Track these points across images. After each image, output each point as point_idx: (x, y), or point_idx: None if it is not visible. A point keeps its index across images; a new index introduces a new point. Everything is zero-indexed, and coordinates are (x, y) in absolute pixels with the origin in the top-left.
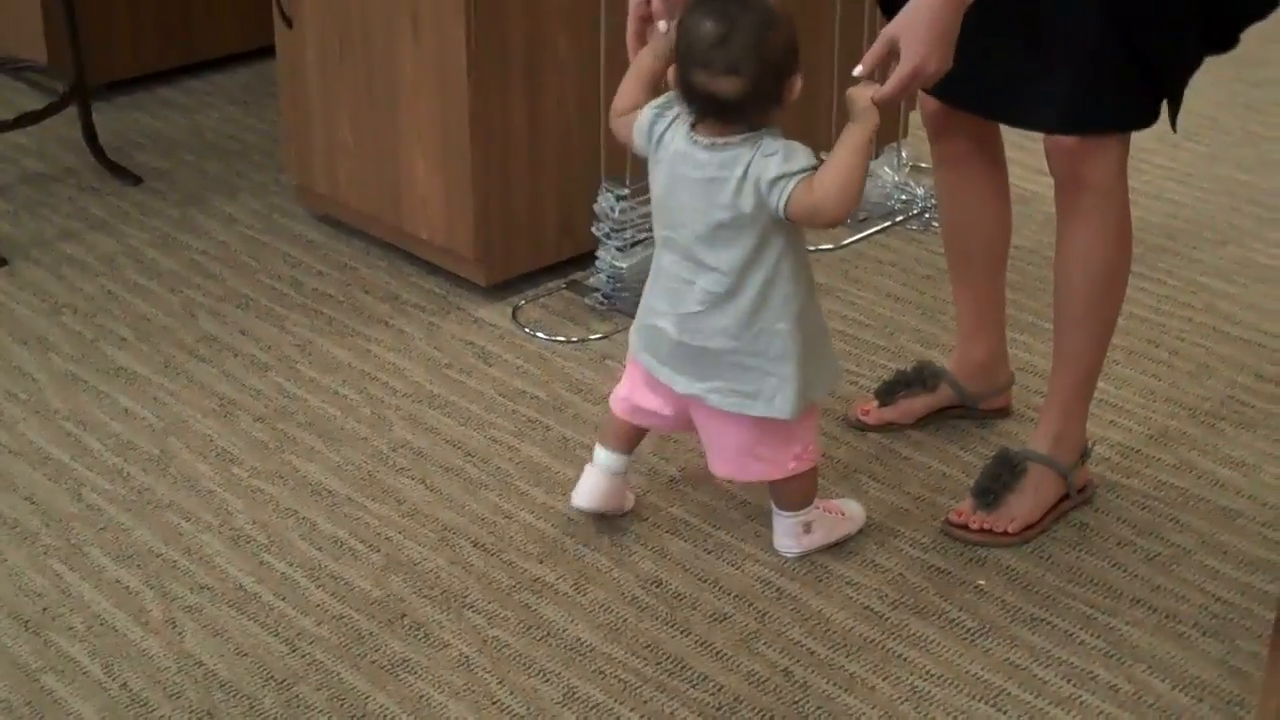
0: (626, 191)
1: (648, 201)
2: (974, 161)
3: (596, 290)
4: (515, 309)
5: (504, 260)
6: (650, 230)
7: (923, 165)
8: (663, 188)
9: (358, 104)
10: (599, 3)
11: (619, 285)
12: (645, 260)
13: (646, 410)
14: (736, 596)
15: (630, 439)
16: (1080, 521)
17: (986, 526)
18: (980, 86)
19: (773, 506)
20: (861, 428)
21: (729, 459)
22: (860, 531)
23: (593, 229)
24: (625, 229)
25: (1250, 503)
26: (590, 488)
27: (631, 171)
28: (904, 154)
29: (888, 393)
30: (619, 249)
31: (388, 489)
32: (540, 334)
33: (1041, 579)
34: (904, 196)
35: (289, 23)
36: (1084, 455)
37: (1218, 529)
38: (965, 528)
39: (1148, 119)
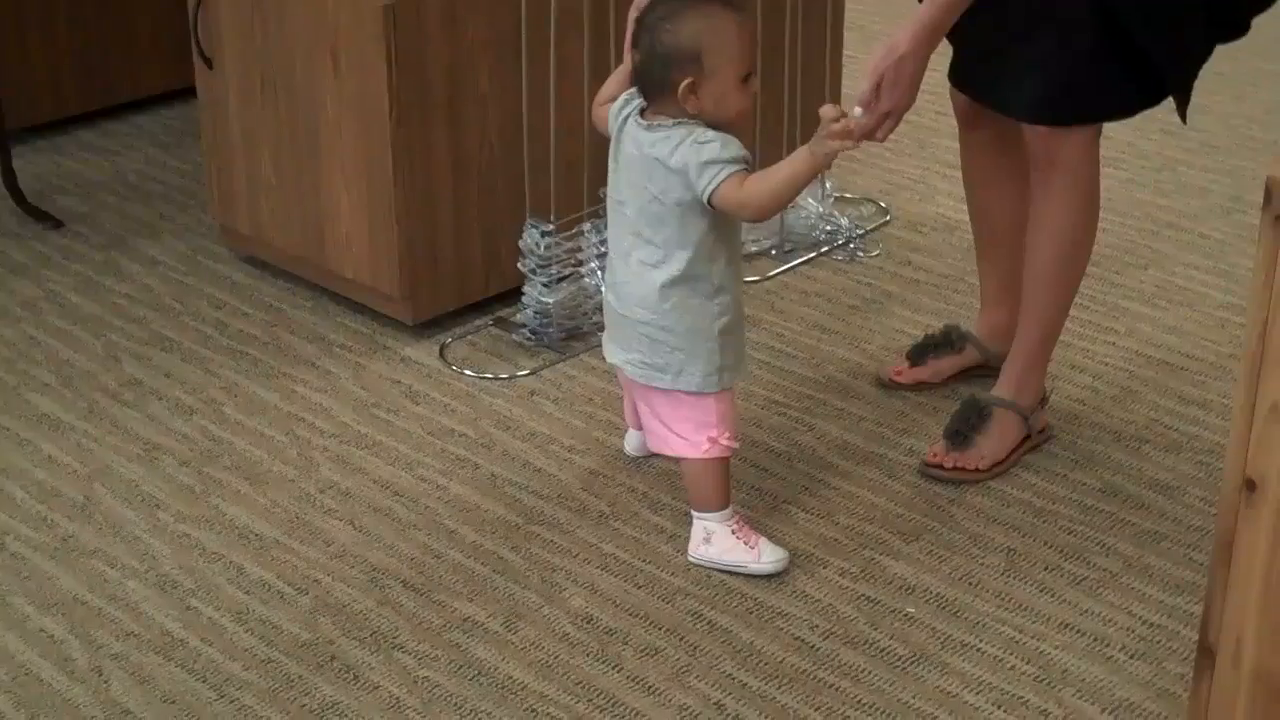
0: (551, 226)
1: (573, 236)
2: (998, 149)
3: (523, 326)
4: (442, 347)
5: (430, 298)
6: (575, 265)
7: (847, 196)
8: (614, 163)
9: (280, 143)
10: (519, 35)
11: (545, 321)
12: (572, 295)
13: (625, 382)
14: (668, 630)
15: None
16: (1007, 547)
17: (960, 465)
18: (976, 71)
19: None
20: (895, 387)
21: (652, 431)
22: (774, 575)
23: (519, 265)
24: (551, 264)
25: (1174, 525)
26: (635, 442)
27: (556, 206)
28: (828, 185)
29: (919, 354)
30: (545, 284)
31: (316, 531)
32: (468, 371)
33: (971, 605)
34: (829, 227)
35: (209, 63)
36: (1043, 400)
37: (1143, 552)
38: (940, 467)
39: (1129, 108)
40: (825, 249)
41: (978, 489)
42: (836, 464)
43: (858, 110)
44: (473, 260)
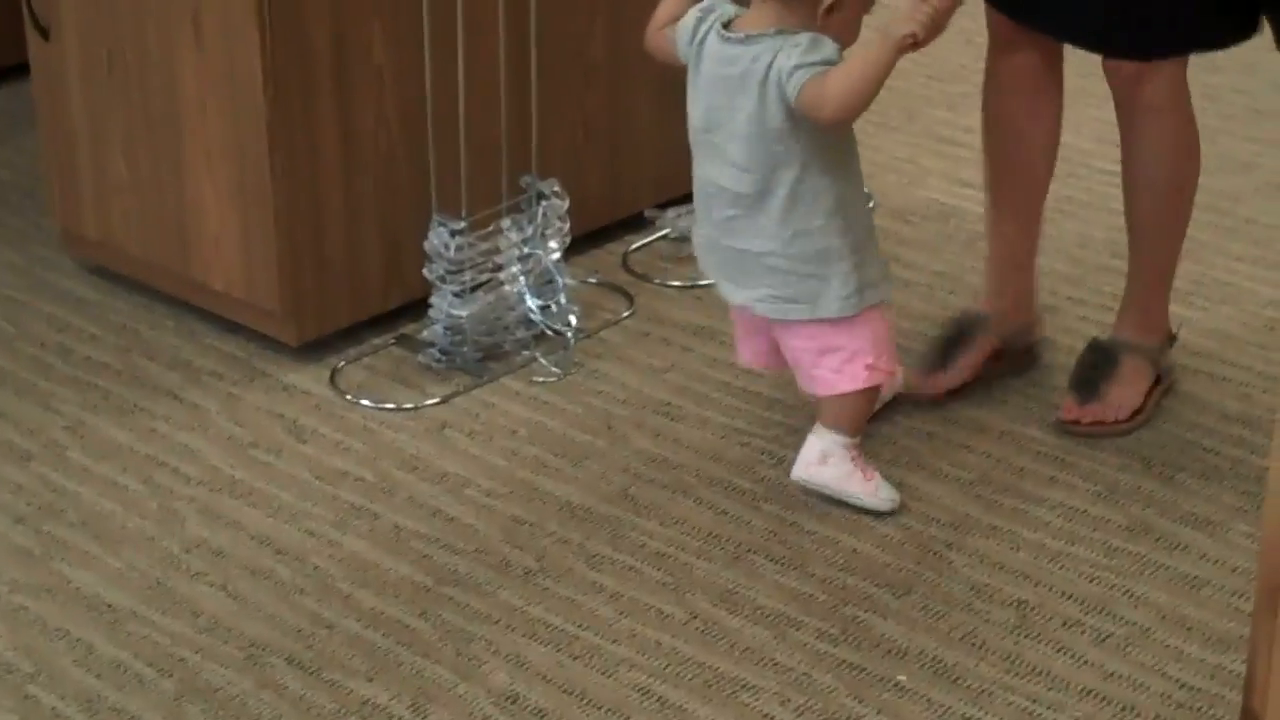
0: (463, 225)
1: (490, 235)
2: (1031, 85)
3: (431, 345)
4: (333, 372)
5: (318, 314)
6: (493, 270)
7: None
8: (703, 90)
9: (132, 129)
10: None
11: (458, 338)
12: (488, 307)
13: (745, 340)
14: (609, 710)
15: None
16: (1017, 599)
17: (1097, 419)
18: (1047, 4)
19: (816, 424)
20: (937, 402)
21: (803, 373)
22: (879, 512)
23: (424, 272)
24: (464, 270)
25: (1217, 568)
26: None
27: (469, 202)
28: None
29: (941, 360)
30: (457, 294)
31: (181, 599)
32: (365, 401)
33: (973, 670)
34: None
35: (44, 34)
36: (1171, 338)
37: (1180, 601)
38: (1077, 423)
39: (1222, 39)
40: None
41: (981, 531)
42: (810, 504)
43: None
44: (369, 267)
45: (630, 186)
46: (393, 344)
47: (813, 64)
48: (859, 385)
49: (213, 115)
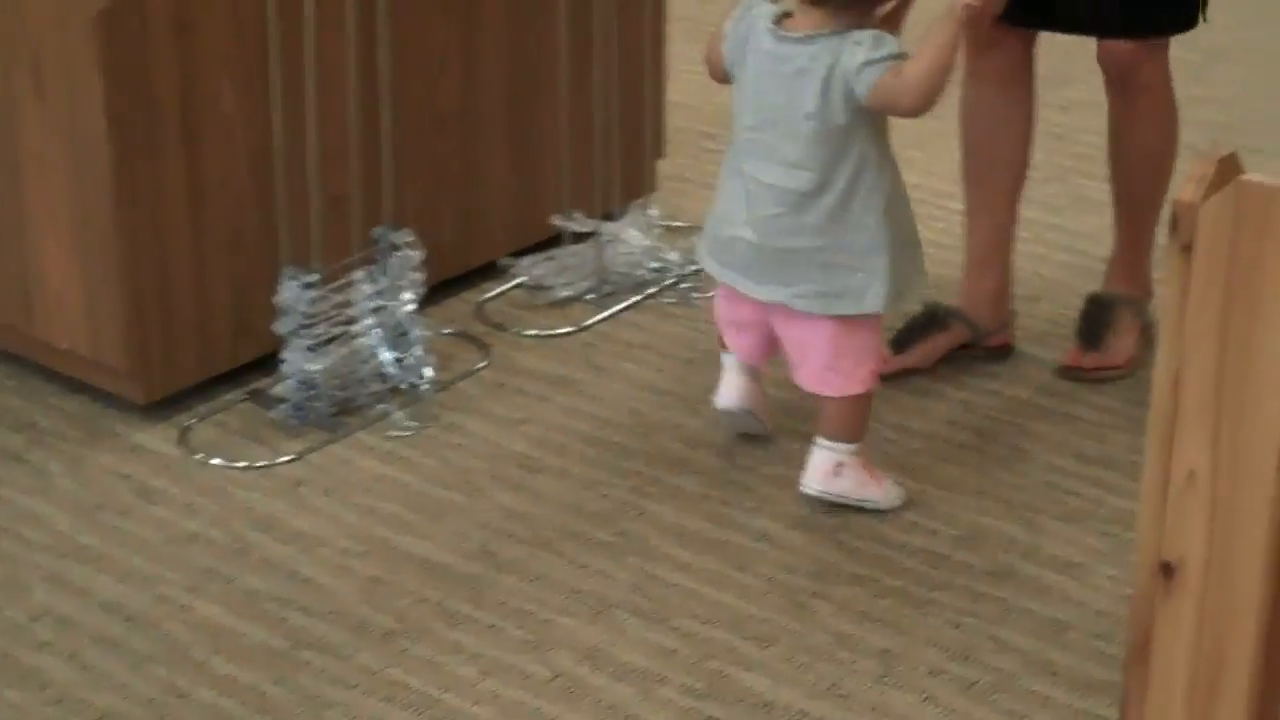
0: (316, 277)
1: (343, 287)
2: (1010, 80)
3: (283, 400)
4: (183, 430)
5: (166, 370)
6: (346, 323)
7: (676, 224)
8: (754, 88)
9: None
10: (266, 38)
11: (311, 393)
12: (342, 361)
13: (743, 321)
14: None
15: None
16: (882, 649)
17: (1102, 364)
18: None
19: (817, 438)
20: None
21: (811, 370)
22: (889, 511)
23: (276, 326)
24: (316, 323)
25: (1081, 612)
26: (730, 388)
27: (321, 253)
28: (653, 213)
29: (903, 340)
30: (310, 348)
31: (26, 671)
32: (216, 459)
33: None
34: (655, 264)
35: None
36: (1150, 294)
37: (1045, 646)
38: (1080, 369)
39: (1194, 20)
40: (652, 290)
41: (844, 579)
42: (673, 554)
43: None
44: (218, 322)
45: (484, 235)
46: (244, 400)
47: (882, 59)
48: (867, 387)
49: (54, 168)
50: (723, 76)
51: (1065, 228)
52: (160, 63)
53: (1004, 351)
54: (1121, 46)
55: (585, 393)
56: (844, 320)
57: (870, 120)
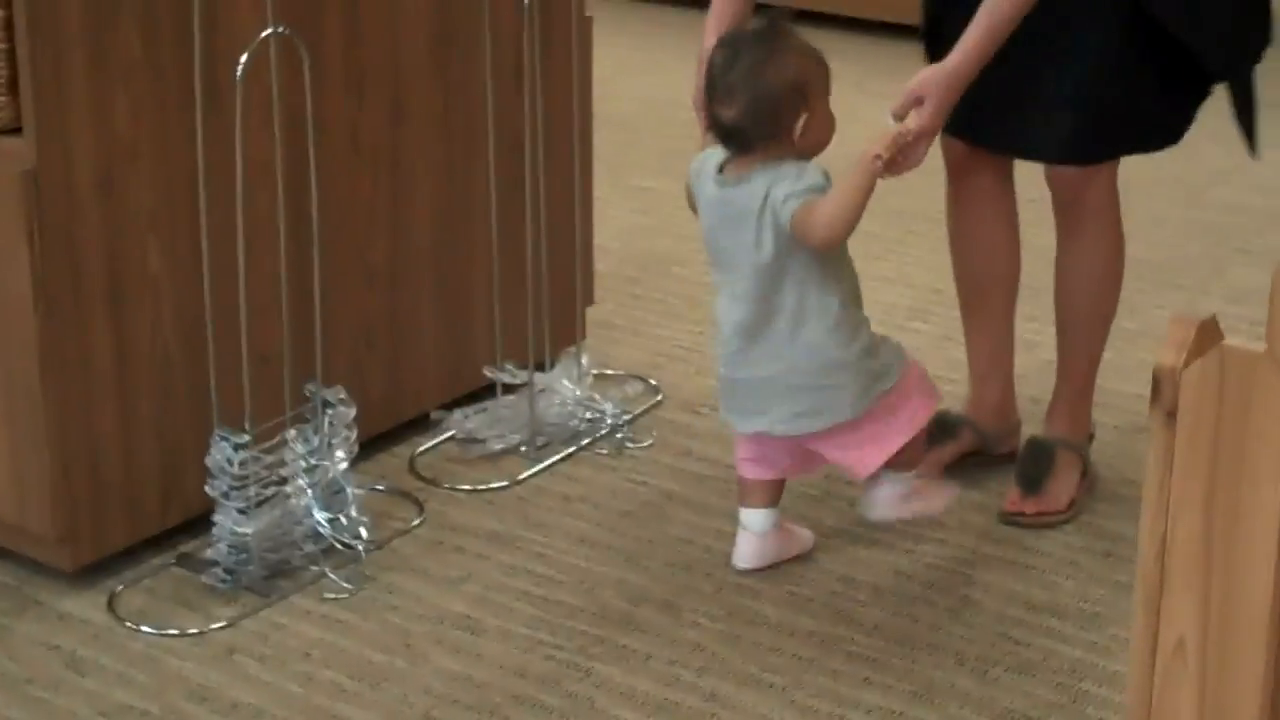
0: (247, 438)
1: (275, 447)
2: (991, 201)
3: (215, 564)
4: (112, 597)
5: (93, 536)
6: (278, 483)
7: (608, 372)
8: (706, 234)
9: None
10: (195, 197)
11: (243, 556)
12: (274, 522)
13: (760, 463)
14: None
15: (769, 492)
16: None
17: (1042, 509)
18: (987, 115)
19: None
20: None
21: (854, 461)
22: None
23: (207, 488)
24: (248, 485)
25: None
26: (746, 549)
27: (252, 413)
28: (583, 361)
29: None
30: (241, 510)
31: None
32: (146, 627)
33: None
34: (588, 414)
35: None
36: (1090, 436)
37: None
38: (1021, 514)
39: (1169, 138)
40: (586, 441)
41: None
42: (622, 717)
43: (890, 121)
44: (147, 485)
45: (414, 388)
46: (173, 564)
47: (799, 192)
48: (907, 435)
49: None
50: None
51: None
52: (85, 227)
53: (1012, 458)
54: (1069, 169)
55: (524, 549)
56: (839, 426)
57: (805, 247)
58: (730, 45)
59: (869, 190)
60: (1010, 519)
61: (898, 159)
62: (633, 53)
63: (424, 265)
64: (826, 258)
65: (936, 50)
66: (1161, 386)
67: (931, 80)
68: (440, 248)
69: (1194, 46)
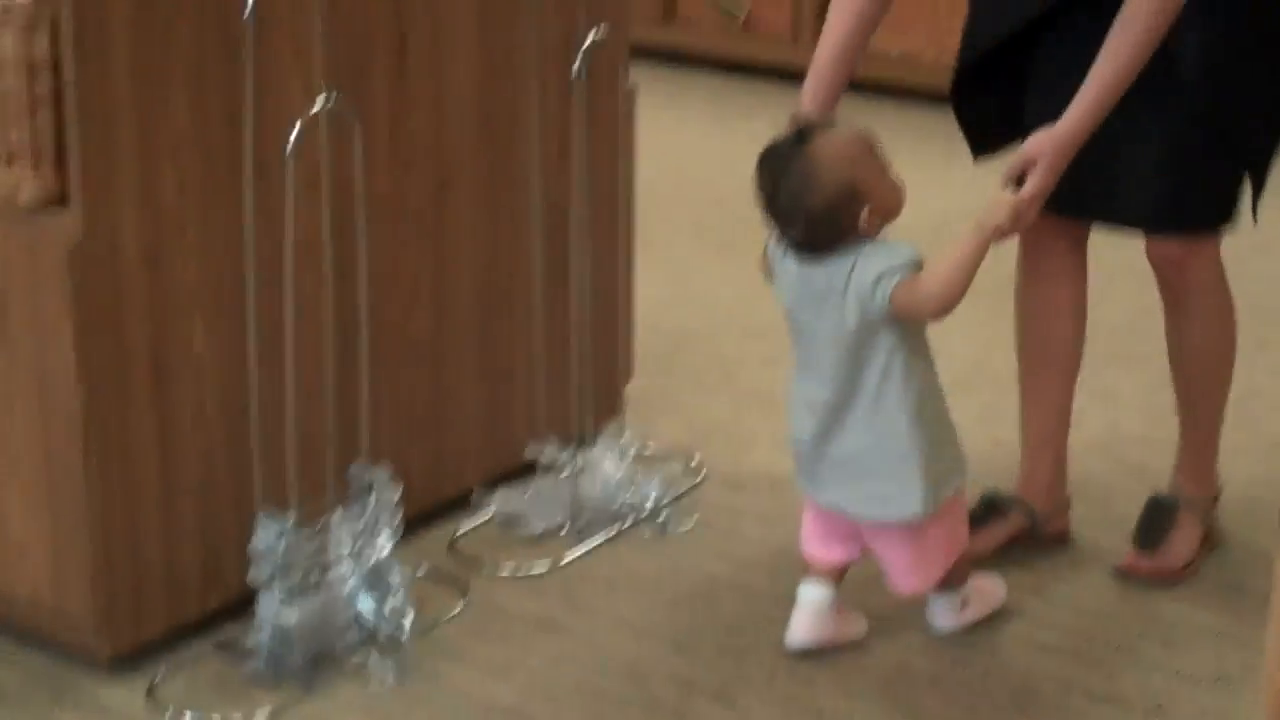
0: (291, 521)
1: (320, 531)
2: (1064, 275)
3: (256, 653)
4: (151, 686)
5: (134, 622)
6: (322, 569)
7: (648, 453)
8: (787, 309)
9: None
10: (243, 279)
11: (285, 647)
12: (320, 610)
13: (825, 544)
14: None
15: (832, 570)
16: None
17: (1158, 567)
18: (1080, 187)
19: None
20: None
21: (898, 575)
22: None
23: (250, 576)
24: (292, 571)
25: None
26: (801, 625)
27: (300, 496)
28: (625, 438)
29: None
30: (285, 598)
31: None
32: (187, 716)
33: None
34: (630, 496)
35: None
36: (1215, 496)
37: None
38: (1137, 569)
39: (1237, 213)
40: (629, 523)
41: None
42: None
43: (1003, 187)
44: (188, 569)
45: (455, 466)
46: (214, 651)
47: (895, 269)
48: (941, 575)
49: (20, 415)
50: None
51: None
52: (131, 306)
53: (1061, 538)
54: (1169, 243)
55: (571, 636)
56: (908, 523)
57: (893, 326)
58: (768, 168)
59: (981, 258)
60: (1125, 573)
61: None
62: (657, 118)
63: (467, 340)
64: (912, 342)
65: (965, 99)
66: None
67: (1043, 143)
68: (483, 323)
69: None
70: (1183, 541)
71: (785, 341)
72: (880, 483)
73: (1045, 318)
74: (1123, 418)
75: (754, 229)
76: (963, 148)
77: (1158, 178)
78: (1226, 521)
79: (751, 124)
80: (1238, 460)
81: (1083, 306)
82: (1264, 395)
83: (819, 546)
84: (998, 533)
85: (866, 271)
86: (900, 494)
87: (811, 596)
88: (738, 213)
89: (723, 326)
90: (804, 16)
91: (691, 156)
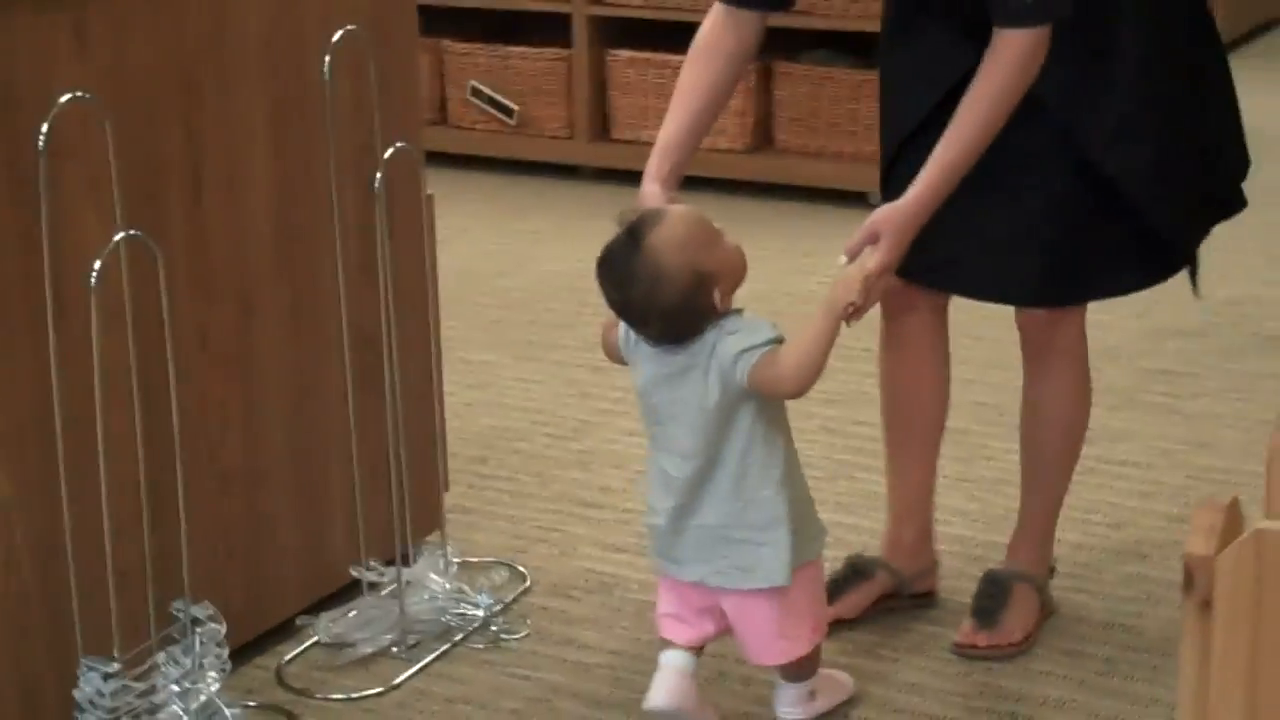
0: (117, 666)
1: (147, 672)
2: (927, 341)
3: None
4: None
5: None
6: (150, 711)
7: (472, 560)
8: (642, 390)
9: None
10: (49, 418)
11: None
12: None
13: (683, 622)
14: None
15: (690, 645)
16: None
17: (995, 642)
18: (951, 261)
19: (778, 679)
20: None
21: (763, 645)
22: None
23: None
24: (120, 716)
25: None
26: (664, 686)
27: (120, 640)
28: (447, 551)
29: (829, 594)
30: None
31: None
32: None
33: None
34: (459, 608)
35: None
36: (1051, 571)
37: None
38: (974, 646)
39: (1136, 281)
40: (459, 636)
41: None
42: None
43: (843, 260)
44: None
45: (275, 593)
46: None
47: (756, 346)
48: (814, 644)
49: None
50: (619, 360)
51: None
52: None
53: (928, 597)
54: (1040, 312)
55: None
56: (774, 591)
57: (753, 400)
58: (610, 276)
59: (835, 335)
60: (961, 651)
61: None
62: (440, 220)
63: (280, 465)
64: (771, 413)
65: (893, 193)
66: (1194, 576)
67: (886, 218)
68: (295, 445)
69: (1150, 215)
70: (1018, 616)
71: (596, 442)
72: (744, 552)
73: (910, 386)
74: (951, 490)
75: (550, 329)
76: None
77: (1033, 256)
78: (1056, 589)
79: (531, 222)
80: (1061, 528)
81: (946, 371)
82: (1079, 460)
83: (675, 625)
84: (862, 593)
85: (727, 350)
86: (765, 562)
87: (673, 660)
88: (531, 312)
89: (530, 429)
90: (578, 114)
91: (478, 258)
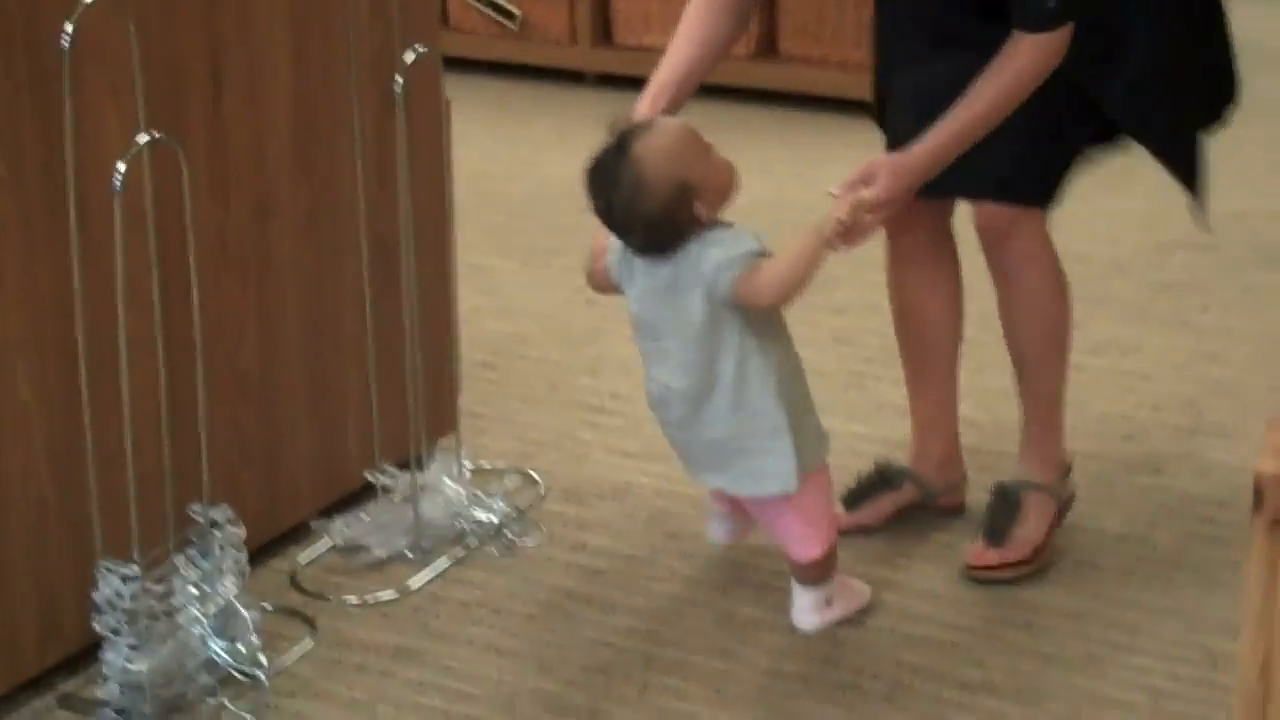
0: (136, 569)
1: (165, 576)
2: (931, 254)
3: (105, 704)
4: None
5: None
6: (168, 613)
7: (485, 466)
8: (638, 307)
9: None
10: (70, 321)
11: (136, 697)
12: (170, 656)
13: (727, 530)
14: None
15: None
16: None
17: (1005, 560)
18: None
19: (794, 583)
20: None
21: (800, 544)
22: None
23: (94, 624)
24: (139, 618)
25: None
26: (720, 523)
27: (141, 541)
28: (461, 456)
29: (855, 499)
30: (133, 646)
31: None
32: None
33: None
34: (475, 513)
35: None
36: (1066, 470)
37: None
38: (985, 567)
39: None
40: (474, 543)
41: None
42: None
43: (834, 190)
44: (22, 625)
45: (290, 497)
46: (56, 707)
47: (736, 257)
48: (826, 547)
49: None
50: (609, 289)
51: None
52: None
53: (956, 511)
54: (994, 209)
55: (431, 663)
56: (786, 496)
57: (739, 312)
58: (596, 183)
59: (821, 255)
60: (973, 574)
61: (851, 229)
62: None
63: (295, 369)
64: (764, 322)
65: (890, 130)
66: (1264, 494)
67: (884, 162)
68: (310, 350)
69: (1101, 97)
70: (1029, 528)
71: (604, 348)
72: (752, 461)
73: (918, 304)
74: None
75: (555, 234)
76: None
77: (998, 152)
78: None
79: (533, 128)
80: (1070, 441)
81: (956, 286)
82: (1086, 371)
83: (721, 529)
84: (886, 502)
85: (709, 260)
86: (773, 470)
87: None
88: (536, 218)
89: (540, 335)
90: (580, 19)
91: (481, 162)
